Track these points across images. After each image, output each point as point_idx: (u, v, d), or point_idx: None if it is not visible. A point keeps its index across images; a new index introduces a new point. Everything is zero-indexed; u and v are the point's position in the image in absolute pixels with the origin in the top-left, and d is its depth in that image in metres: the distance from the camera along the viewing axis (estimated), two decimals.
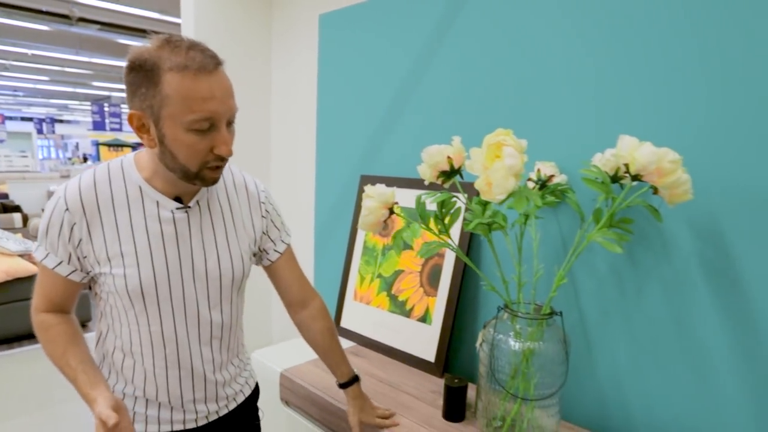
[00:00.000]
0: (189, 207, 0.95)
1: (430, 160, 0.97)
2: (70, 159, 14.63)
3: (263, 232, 1.09)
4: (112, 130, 12.51)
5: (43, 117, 18.22)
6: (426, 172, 0.98)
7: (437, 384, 1.38)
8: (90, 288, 1.00)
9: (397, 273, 1.57)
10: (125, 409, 0.87)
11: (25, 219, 7.05)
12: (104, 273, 0.90)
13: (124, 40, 7.40)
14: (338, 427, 1.27)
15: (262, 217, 1.09)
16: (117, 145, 16.32)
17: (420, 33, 1.54)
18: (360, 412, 1.15)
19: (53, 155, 19.37)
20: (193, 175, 0.87)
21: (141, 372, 0.98)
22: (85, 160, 13.58)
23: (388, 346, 1.56)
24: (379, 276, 1.62)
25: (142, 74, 0.80)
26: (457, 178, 1.01)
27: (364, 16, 1.71)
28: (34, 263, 3.64)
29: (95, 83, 11.76)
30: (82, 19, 6.43)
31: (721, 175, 1.01)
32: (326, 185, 1.94)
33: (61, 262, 0.91)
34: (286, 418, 1.45)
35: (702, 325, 1.07)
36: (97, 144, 17.28)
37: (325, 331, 1.16)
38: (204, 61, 0.81)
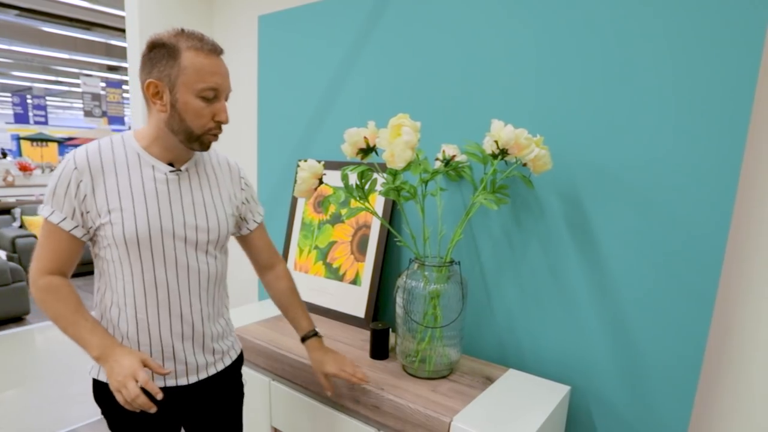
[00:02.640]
0: (180, 170, 1.10)
1: (350, 140, 1.21)
2: None
3: (243, 202, 1.26)
4: (37, 123, 11.87)
5: None
6: (347, 149, 1.22)
7: (366, 335, 1.62)
8: (92, 248, 1.10)
9: (331, 244, 1.80)
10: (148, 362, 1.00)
11: None
12: (104, 224, 1.03)
13: (48, 28, 7.11)
14: (284, 372, 1.49)
15: (242, 189, 1.26)
16: (41, 140, 15.41)
17: (347, 35, 1.77)
18: (321, 365, 1.27)
19: None
20: (195, 137, 1.05)
21: (134, 323, 1.08)
22: (4, 155, 12.82)
23: (325, 307, 1.79)
24: (316, 247, 1.85)
25: (163, 51, 1.00)
26: (373, 155, 1.25)
27: (299, 18, 1.92)
28: None
29: (15, 73, 11.14)
30: (0, 4, 6.15)
31: (578, 153, 1.32)
32: (267, 170, 2.14)
33: (65, 218, 1.02)
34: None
35: (569, 271, 1.38)
36: (18, 138, 16.27)
37: (287, 289, 1.36)
38: (214, 46, 1.03)
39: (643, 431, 1.30)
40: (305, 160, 1.27)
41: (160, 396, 0.97)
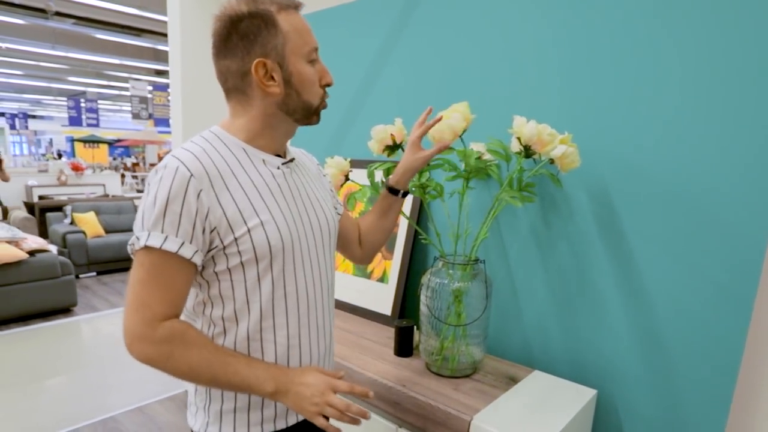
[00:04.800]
0: (292, 160, 0.96)
1: (377, 137, 1.22)
2: (44, 155, 14.51)
3: (329, 191, 1.12)
4: (89, 125, 12.46)
5: (15, 112, 17.96)
6: (374, 146, 1.24)
7: (392, 332, 1.63)
8: (201, 274, 0.88)
9: None
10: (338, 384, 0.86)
11: (6, 211, 7.11)
12: (241, 237, 0.83)
13: (101, 35, 7.47)
14: None
15: (324, 176, 1.13)
16: (93, 141, 16.17)
17: (375, 37, 1.79)
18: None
19: (25, 151, 19.11)
20: (314, 109, 0.92)
21: (272, 351, 0.90)
22: (60, 156, 13.50)
23: (353, 304, 1.81)
24: None
25: (256, 21, 0.83)
26: (399, 151, 1.26)
27: (331, 18, 1.96)
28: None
29: (71, 78, 11.73)
30: (58, 13, 6.51)
31: (608, 151, 1.29)
32: None
33: (183, 243, 0.80)
34: None
35: (598, 272, 1.35)
36: (72, 140, 17.11)
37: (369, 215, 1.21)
38: (300, 2, 0.90)
39: None
40: (332, 157, 1.29)
41: (371, 395, 0.87)
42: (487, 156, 1.41)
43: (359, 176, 1.81)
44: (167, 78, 10.63)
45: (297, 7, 0.88)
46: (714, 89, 1.13)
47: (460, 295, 1.30)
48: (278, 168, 0.92)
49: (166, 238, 0.78)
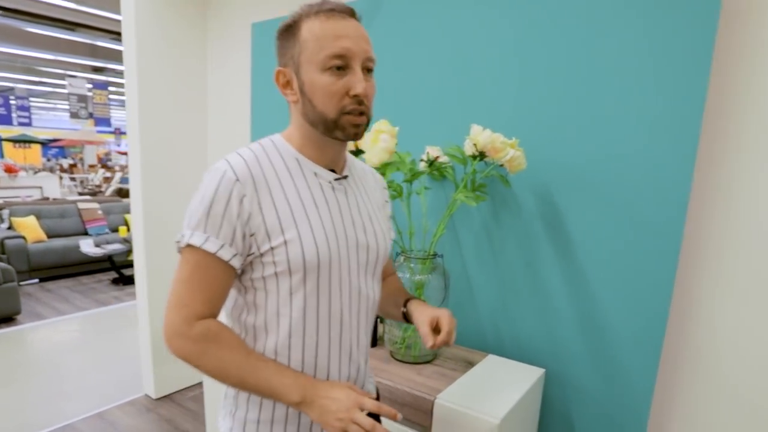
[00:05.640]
0: (345, 177, 0.92)
1: None
2: None
3: (388, 217, 1.07)
4: (21, 124, 11.77)
5: None
6: None
7: None
8: (237, 280, 0.88)
9: None
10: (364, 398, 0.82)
11: None
12: (277, 246, 0.82)
13: (32, 29, 7.09)
14: None
15: (386, 201, 1.07)
16: (24, 141, 15.26)
17: None
18: (417, 319, 1.03)
19: None
20: (333, 123, 0.83)
21: (299, 368, 0.88)
22: None
23: None
24: None
25: (287, 33, 0.85)
26: (362, 156, 1.36)
27: None
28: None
29: None
30: None
31: (550, 153, 1.44)
32: None
33: (223, 245, 0.80)
34: None
35: (543, 263, 1.50)
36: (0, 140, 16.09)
37: (397, 281, 1.18)
38: (336, 6, 0.83)
39: (610, 406, 1.42)
40: None
41: (399, 417, 0.83)
42: (443, 158, 1.53)
43: None
44: (107, 76, 10.22)
45: (336, 12, 0.82)
46: (638, 96, 1.29)
47: (421, 287, 1.41)
48: (329, 183, 0.89)
49: (208, 238, 0.79)
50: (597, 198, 1.38)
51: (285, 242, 0.81)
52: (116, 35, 6.80)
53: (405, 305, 1.06)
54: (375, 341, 1.58)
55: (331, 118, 0.83)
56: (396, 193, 1.42)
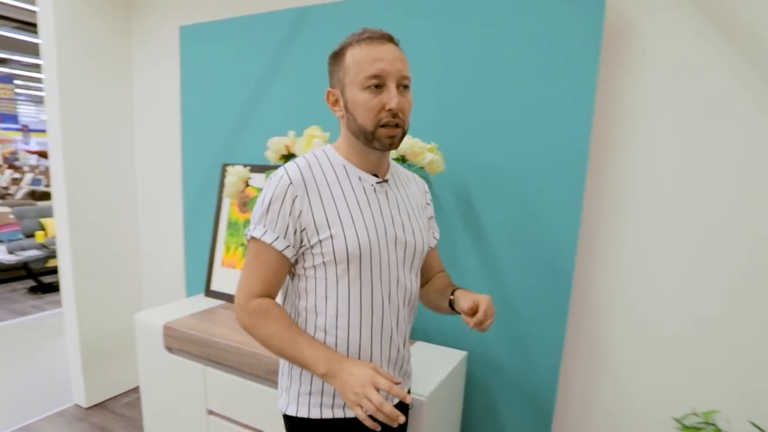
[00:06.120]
0: (386, 180, 1.06)
1: (273, 147, 1.39)
2: None
3: (429, 217, 1.21)
4: None
5: None
6: (271, 155, 1.41)
7: None
8: (292, 268, 1.03)
9: None
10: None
11: None
12: (324, 239, 0.96)
13: None
14: (217, 357, 1.63)
15: (427, 204, 1.20)
16: None
17: (268, 48, 1.94)
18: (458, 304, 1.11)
19: None
20: (371, 134, 0.96)
21: (345, 347, 1.01)
22: None
23: None
24: (242, 245, 2.00)
25: (336, 59, 0.99)
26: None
27: (221, 30, 2.06)
28: None
29: None
30: None
31: (466, 156, 1.58)
32: (192, 174, 2.25)
33: (278, 238, 0.96)
34: (169, 363, 1.77)
35: (463, 256, 1.64)
36: None
37: (445, 277, 1.27)
38: (375, 33, 0.97)
39: (524, 381, 1.60)
40: (232, 165, 1.43)
41: (409, 399, 0.90)
42: None
43: (255, 181, 1.95)
44: (12, 68, 9.51)
45: (374, 39, 0.96)
46: (536, 104, 1.46)
47: None
48: (372, 185, 1.03)
49: (266, 231, 0.96)
50: (505, 196, 1.54)
51: (331, 236, 0.96)
52: (21, 24, 6.33)
53: (452, 294, 1.14)
54: None
55: (369, 130, 0.96)
56: None
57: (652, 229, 1.48)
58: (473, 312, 1.04)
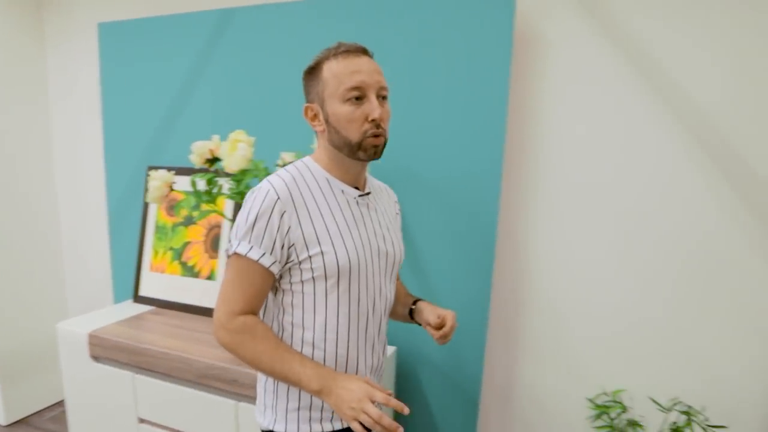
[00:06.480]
0: (368, 193, 1.07)
1: (197, 151, 1.39)
2: None
3: (399, 227, 1.22)
4: None
5: None
6: (195, 159, 1.40)
7: None
8: (276, 283, 1.02)
9: (186, 244, 1.94)
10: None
11: None
12: (313, 255, 0.96)
13: None
14: (146, 364, 1.61)
15: (397, 213, 1.22)
16: None
17: (192, 49, 1.92)
18: (423, 316, 1.17)
19: None
20: (356, 145, 0.97)
21: (333, 360, 1.02)
22: None
23: (183, 303, 1.93)
24: (171, 248, 1.97)
25: (312, 74, 1.00)
26: (219, 163, 1.45)
27: (144, 29, 2.01)
28: None
29: None
30: None
31: (394, 159, 1.63)
32: (117, 176, 2.18)
33: (264, 254, 0.94)
34: (96, 373, 1.73)
35: None
36: None
37: (400, 286, 1.29)
38: (351, 47, 0.97)
39: (451, 372, 1.68)
40: (156, 169, 1.42)
41: (407, 411, 0.89)
42: None
43: (182, 184, 1.93)
44: None
45: (350, 52, 0.97)
46: (453, 116, 1.54)
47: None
48: (354, 198, 1.04)
49: (251, 248, 0.94)
50: (428, 196, 1.62)
51: (321, 252, 0.96)
52: None
53: (414, 304, 1.21)
54: None
55: (355, 141, 0.97)
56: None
57: (562, 224, 1.61)
58: (440, 326, 1.10)
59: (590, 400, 1.64)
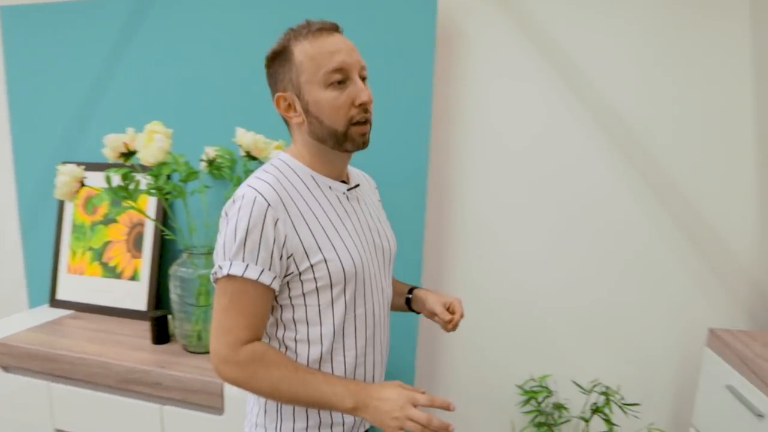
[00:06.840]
0: (357, 186, 0.98)
1: (111, 145, 1.32)
2: None
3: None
4: None
5: None
6: (109, 153, 1.33)
7: (149, 326, 1.73)
8: (274, 303, 0.91)
9: (106, 243, 1.84)
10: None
11: None
12: (315, 264, 0.86)
13: None
14: (62, 371, 1.52)
15: (379, 201, 1.13)
16: None
17: (104, 36, 1.81)
18: (425, 305, 1.12)
19: None
20: (342, 135, 0.88)
21: (341, 370, 0.93)
22: None
23: (105, 306, 1.83)
24: (90, 248, 1.87)
25: (278, 60, 0.87)
26: (135, 158, 1.38)
27: (50, 14, 1.88)
28: None
29: None
30: None
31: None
32: (27, 172, 2.04)
33: (263, 271, 0.82)
34: (6, 384, 1.61)
35: None
36: None
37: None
38: (324, 24, 0.86)
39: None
40: (64, 165, 1.34)
41: (453, 407, 0.83)
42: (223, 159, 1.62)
43: (99, 180, 1.83)
44: None
45: (323, 30, 0.86)
46: (386, 100, 1.55)
47: (207, 281, 1.49)
48: (343, 194, 0.94)
49: (247, 266, 0.81)
50: (383, 188, 1.61)
51: (325, 260, 0.86)
52: None
53: (410, 292, 1.14)
54: (167, 338, 1.61)
55: (340, 131, 0.87)
56: (177, 192, 1.46)
57: (487, 222, 1.65)
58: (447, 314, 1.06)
59: (519, 387, 1.70)
